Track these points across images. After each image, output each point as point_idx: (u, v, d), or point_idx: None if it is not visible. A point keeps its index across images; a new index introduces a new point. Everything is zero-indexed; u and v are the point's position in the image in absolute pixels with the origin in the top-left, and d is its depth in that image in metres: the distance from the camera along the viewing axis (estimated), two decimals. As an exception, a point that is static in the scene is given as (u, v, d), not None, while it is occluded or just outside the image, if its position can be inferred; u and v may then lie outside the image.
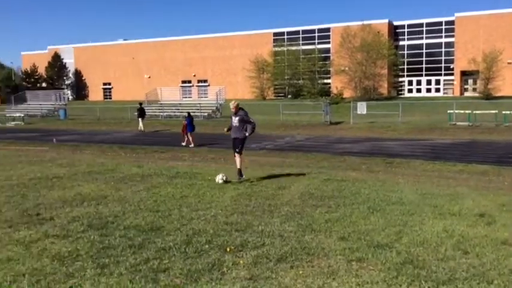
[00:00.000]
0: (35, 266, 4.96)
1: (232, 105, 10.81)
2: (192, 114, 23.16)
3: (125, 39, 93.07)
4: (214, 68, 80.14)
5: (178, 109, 39.80)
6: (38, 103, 49.32)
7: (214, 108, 39.17)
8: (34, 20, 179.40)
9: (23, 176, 10.95)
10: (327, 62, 67.00)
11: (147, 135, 28.01)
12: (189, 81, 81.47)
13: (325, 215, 7.08)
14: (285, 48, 70.62)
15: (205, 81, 79.59)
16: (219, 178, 9.97)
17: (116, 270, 4.84)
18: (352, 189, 9.34)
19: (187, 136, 20.86)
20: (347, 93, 58.12)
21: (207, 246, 5.60)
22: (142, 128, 29.41)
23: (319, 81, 67.49)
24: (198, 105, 39.75)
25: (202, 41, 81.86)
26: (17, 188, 9.44)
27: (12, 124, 38.12)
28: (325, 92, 63.17)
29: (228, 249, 5.45)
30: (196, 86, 75.86)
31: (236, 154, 10.56)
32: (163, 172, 11.56)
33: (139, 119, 29.84)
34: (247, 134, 10.51)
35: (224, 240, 5.81)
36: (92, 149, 19.56)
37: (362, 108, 32.58)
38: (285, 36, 73.52)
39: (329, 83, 67.99)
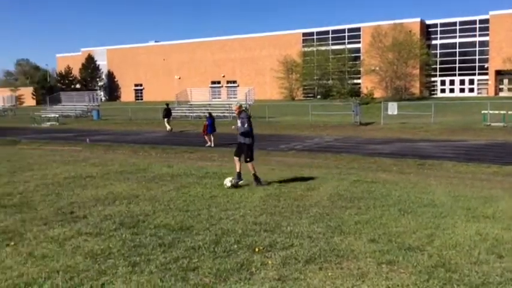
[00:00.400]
0: (68, 263, 5.08)
1: (234, 106, 10.52)
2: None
3: (156, 41, 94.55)
4: (243, 68, 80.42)
5: (208, 109, 40.01)
6: (72, 104, 50.60)
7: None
8: (68, 22, 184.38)
9: (57, 175, 11.24)
10: (357, 62, 66.37)
11: (175, 135, 28.36)
12: (219, 82, 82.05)
13: (354, 217, 7.02)
14: (315, 49, 70.27)
15: (234, 82, 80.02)
16: (227, 182, 9.56)
17: (146, 268, 4.92)
18: (383, 190, 9.22)
19: (208, 136, 20.99)
20: (377, 94, 57.39)
21: (235, 246, 5.63)
22: (170, 128, 29.96)
23: (349, 82, 66.91)
24: (227, 105, 39.95)
25: (231, 42, 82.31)
26: (52, 187, 9.71)
27: (47, 124, 39.20)
28: (355, 92, 62.62)
29: (256, 250, 5.46)
30: (226, 86, 76.45)
31: (247, 163, 9.96)
32: (192, 172, 11.68)
33: (165, 120, 30.42)
34: (242, 141, 10.00)
35: (253, 241, 5.83)
36: (124, 149, 19.93)
37: (393, 108, 32.09)
38: (315, 37, 73.15)
39: (359, 83, 67.33)
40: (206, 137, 21.05)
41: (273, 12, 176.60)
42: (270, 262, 5.06)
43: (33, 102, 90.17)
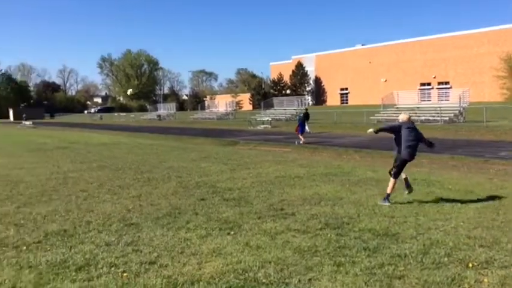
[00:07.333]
0: (279, 256, 5.47)
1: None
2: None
3: (362, 45, 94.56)
4: (457, 68, 74.40)
5: (416, 113, 38.20)
6: (283, 108, 54.12)
7: (457, 112, 36.31)
8: (281, 32, 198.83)
9: (269, 174, 12.18)
10: None
11: (382, 138, 27.73)
12: (428, 84, 77.63)
13: None
14: (547, 42, 60.77)
15: (446, 83, 74.62)
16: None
17: (351, 270, 4.98)
18: None
19: (299, 136, 24.21)
20: None
21: (446, 258, 5.27)
22: (308, 130, 30.15)
23: None
24: (438, 108, 37.44)
25: (443, 40, 77.01)
26: (265, 185, 10.57)
27: (261, 127, 42.73)
28: None
29: (470, 265, 5.02)
30: (436, 88, 71.81)
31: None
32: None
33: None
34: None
35: (466, 255, 5.37)
36: (328, 151, 20.43)
37: None
38: (547, 28, 63.26)
39: None
40: (301, 136, 24.17)
41: (491, 6, 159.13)
42: (485, 280, 4.60)
43: (250, 107, 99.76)
